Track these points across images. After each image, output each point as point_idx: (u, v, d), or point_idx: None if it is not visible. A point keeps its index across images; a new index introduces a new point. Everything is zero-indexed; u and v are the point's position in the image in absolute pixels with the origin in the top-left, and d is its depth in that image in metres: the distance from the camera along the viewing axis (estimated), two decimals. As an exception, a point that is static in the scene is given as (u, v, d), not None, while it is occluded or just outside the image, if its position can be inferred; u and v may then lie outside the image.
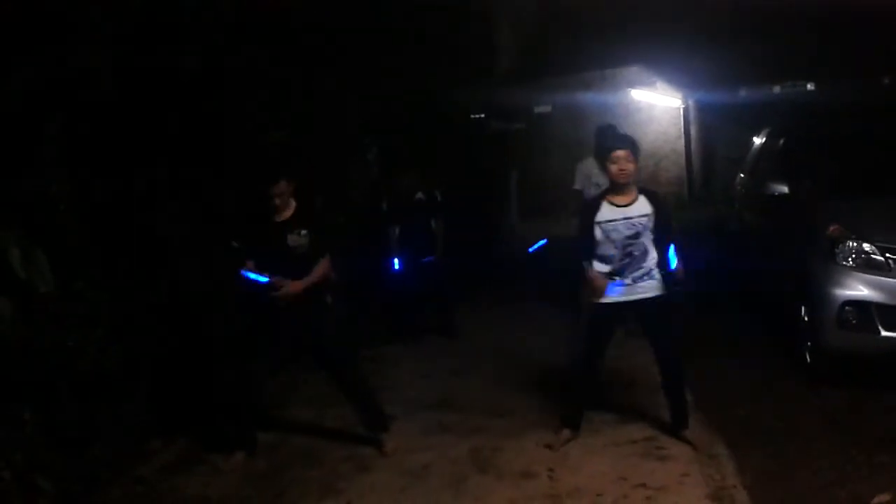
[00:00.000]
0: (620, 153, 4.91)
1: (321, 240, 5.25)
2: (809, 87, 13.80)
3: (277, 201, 5.15)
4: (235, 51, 6.51)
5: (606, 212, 4.99)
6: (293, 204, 5.25)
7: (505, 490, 4.72)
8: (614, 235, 4.95)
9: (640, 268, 4.99)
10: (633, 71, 16.50)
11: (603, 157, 4.99)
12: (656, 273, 5.03)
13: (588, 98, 16.06)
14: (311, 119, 7.99)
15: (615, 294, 5.02)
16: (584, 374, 5.32)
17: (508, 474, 4.92)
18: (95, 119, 5.33)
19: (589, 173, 7.80)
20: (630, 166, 4.91)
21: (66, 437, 4.82)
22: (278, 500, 4.75)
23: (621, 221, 4.94)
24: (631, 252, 4.97)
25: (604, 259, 5.02)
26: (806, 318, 6.30)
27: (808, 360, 6.27)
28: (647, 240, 4.98)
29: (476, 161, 12.19)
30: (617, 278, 5.00)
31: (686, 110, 17.19)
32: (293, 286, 5.08)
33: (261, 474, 5.14)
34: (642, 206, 4.97)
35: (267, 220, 5.19)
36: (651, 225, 4.97)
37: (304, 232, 5.17)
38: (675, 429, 5.20)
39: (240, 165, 6.56)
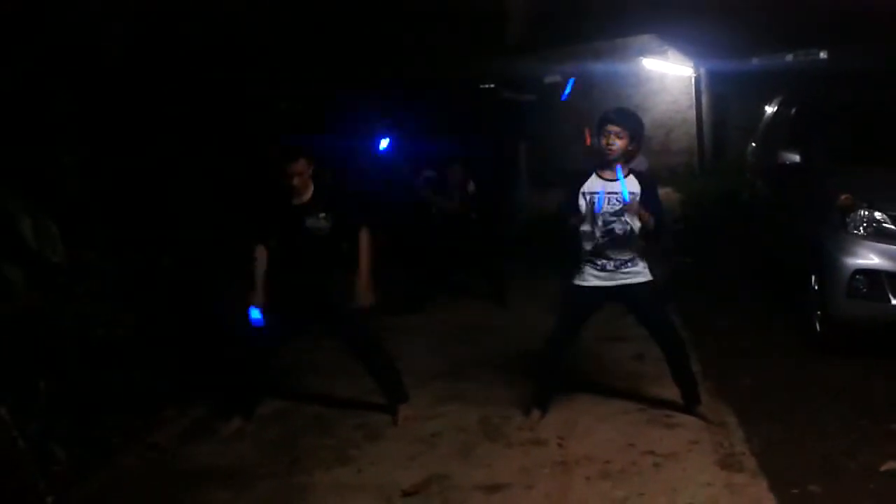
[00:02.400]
0: (612, 127, 4.83)
1: (349, 220, 5.18)
2: (822, 55, 13.65)
3: (296, 181, 5.04)
4: (243, 21, 6.49)
5: (593, 183, 4.91)
6: (311, 185, 5.15)
7: (514, 458, 4.76)
8: (596, 208, 4.84)
9: (623, 251, 4.90)
10: (645, 40, 16.39)
11: (598, 127, 4.91)
12: (640, 260, 4.95)
13: (599, 68, 15.96)
14: (322, 89, 7.99)
15: (596, 279, 4.97)
16: (551, 355, 5.28)
17: (518, 442, 4.96)
18: (106, 90, 5.34)
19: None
20: (619, 142, 4.80)
21: (80, 406, 4.87)
22: (291, 468, 4.80)
23: (604, 195, 4.82)
24: (612, 229, 4.86)
25: (585, 236, 4.93)
26: (816, 287, 6.29)
27: (819, 329, 6.28)
28: (631, 220, 4.84)
29: (487, 131, 12.15)
30: (598, 261, 4.94)
31: (697, 79, 17.07)
32: (361, 286, 5.14)
33: (273, 442, 5.19)
34: (629, 185, 4.80)
35: (284, 202, 5.12)
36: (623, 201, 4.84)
37: (323, 215, 5.08)
38: (687, 406, 5.18)
39: (252, 136, 6.57)
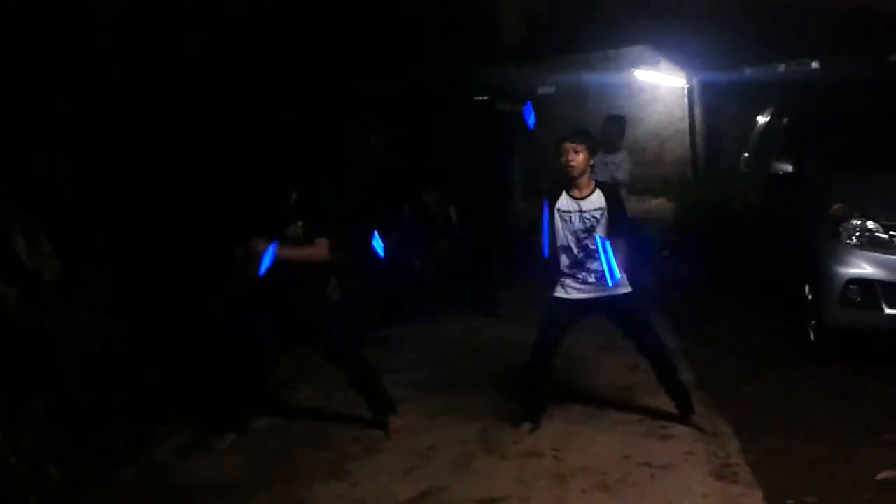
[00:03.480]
0: (567, 145, 4.97)
1: (314, 226, 5.18)
2: (814, 65, 13.71)
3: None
4: (239, 28, 6.50)
5: (564, 202, 5.03)
6: (294, 195, 5.21)
7: (511, 470, 4.76)
8: (569, 227, 4.99)
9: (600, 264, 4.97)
10: (637, 51, 16.45)
11: (556, 148, 5.05)
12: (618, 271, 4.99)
13: (592, 79, 16.01)
14: (316, 99, 7.99)
15: (577, 292, 5.05)
16: (534, 367, 5.29)
17: (514, 454, 4.96)
18: (102, 101, 5.34)
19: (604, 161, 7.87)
20: (577, 157, 4.94)
21: (76, 421, 4.86)
22: (287, 481, 4.79)
23: (576, 213, 4.98)
24: (586, 246, 4.98)
25: (564, 250, 5.04)
26: (810, 297, 6.32)
27: (813, 338, 6.30)
28: (602, 234, 4.95)
29: (479, 143, 12.16)
30: (579, 274, 5.02)
31: (690, 90, 17.12)
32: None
33: (270, 455, 5.18)
34: (596, 200, 4.99)
35: (272, 214, 5.18)
36: (603, 220, 4.97)
37: (300, 223, 5.13)
38: (682, 416, 5.19)
39: (246, 149, 6.56)
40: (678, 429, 5.12)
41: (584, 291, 5.04)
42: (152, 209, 5.80)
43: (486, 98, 13.32)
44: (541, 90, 16.04)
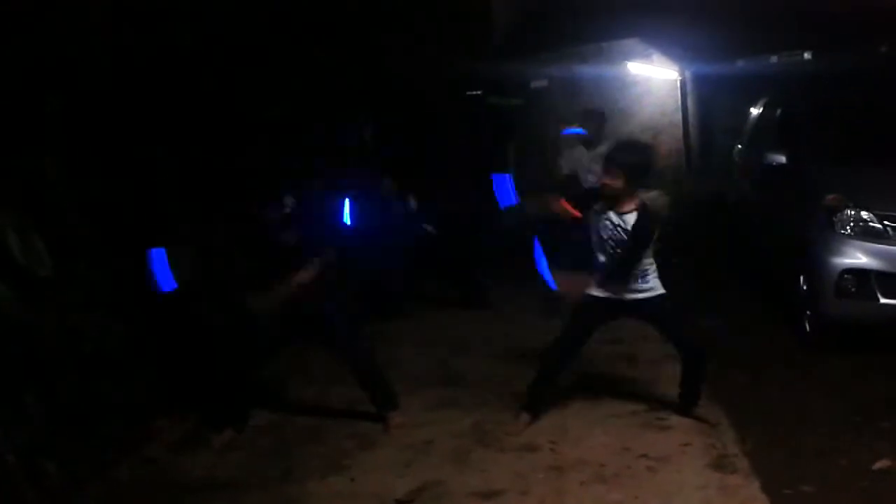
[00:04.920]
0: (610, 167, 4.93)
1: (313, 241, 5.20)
2: (806, 56, 13.74)
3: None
4: (229, 26, 6.48)
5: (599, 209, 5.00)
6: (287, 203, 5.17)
7: (508, 463, 4.76)
8: (602, 234, 4.96)
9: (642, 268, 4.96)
10: (630, 44, 16.41)
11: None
12: (651, 275, 4.98)
13: (585, 72, 15.98)
14: (308, 96, 7.96)
15: (607, 291, 5.02)
16: (553, 364, 5.28)
17: (511, 447, 4.96)
18: (93, 100, 5.31)
19: (580, 158, 7.90)
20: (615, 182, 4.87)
21: (71, 419, 4.84)
22: (284, 478, 4.78)
23: (611, 224, 4.94)
24: (613, 255, 4.95)
25: (597, 248, 5.03)
26: (805, 287, 6.33)
27: (808, 328, 6.31)
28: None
29: (474, 137, 12.14)
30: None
31: (683, 82, 17.11)
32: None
33: (266, 452, 5.17)
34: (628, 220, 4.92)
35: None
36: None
37: (293, 232, 5.12)
38: (684, 407, 5.20)
39: (239, 147, 6.54)
40: (675, 420, 5.12)
41: (614, 291, 4.99)
42: (146, 206, 5.78)
43: (478, 92, 13.31)
44: (534, 84, 16.04)
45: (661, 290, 5.00)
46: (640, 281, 4.94)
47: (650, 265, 4.97)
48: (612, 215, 4.92)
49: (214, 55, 6.40)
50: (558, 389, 5.49)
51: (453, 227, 8.35)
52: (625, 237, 4.87)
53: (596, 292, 5.03)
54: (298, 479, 4.76)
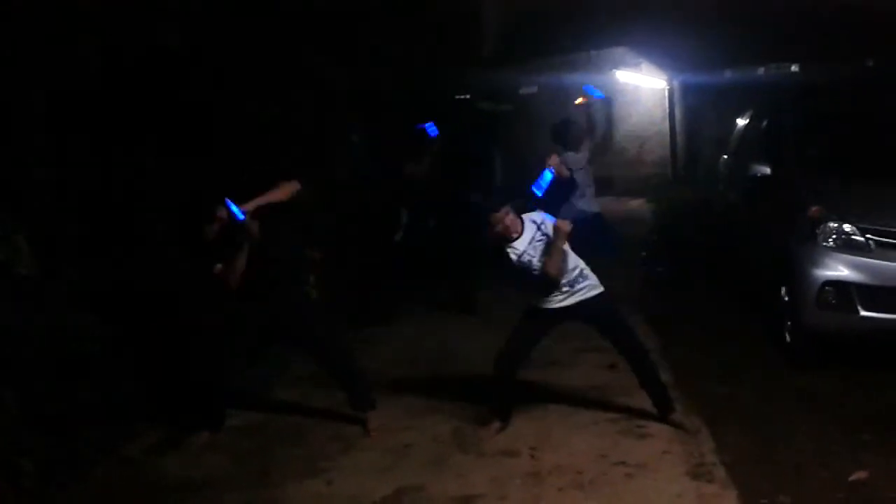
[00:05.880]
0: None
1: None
2: (794, 68, 13.82)
3: None
4: (218, 24, 6.47)
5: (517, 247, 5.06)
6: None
7: (487, 468, 4.76)
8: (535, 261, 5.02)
9: (573, 270, 5.05)
10: (619, 52, 16.50)
11: None
12: (588, 271, 5.10)
13: (574, 80, 16.03)
14: (297, 99, 7.95)
15: (560, 301, 5.09)
16: (507, 371, 5.31)
17: (490, 453, 4.96)
18: (79, 102, 5.30)
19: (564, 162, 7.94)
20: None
21: (49, 419, 4.82)
22: (262, 480, 4.77)
23: (529, 246, 5.03)
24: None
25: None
26: (786, 298, 6.35)
27: (789, 339, 6.33)
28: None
29: (462, 143, 12.15)
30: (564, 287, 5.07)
31: (671, 92, 17.21)
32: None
33: (245, 453, 5.16)
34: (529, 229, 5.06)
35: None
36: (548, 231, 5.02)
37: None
38: (661, 414, 5.21)
39: (225, 149, 6.53)
40: (654, 428, 5.13)
41: (564, 298, 5.07)
42: (130, 207, 5.76)
43: (467, 97, 13.33)
44: (523, 90, 16.08)
45: (602, 288, 5.11)
46: (580, 279, 5.05)
47: (579, 260, 5.10)
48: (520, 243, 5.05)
49: (202, 52, 6.38)
50: (539, 396, 5.50)
51: (454, 229, 8.40)
52: (544, 239, 5.00)
53: (550, 304, 5.11)
54: (276, 481, 4.75)
